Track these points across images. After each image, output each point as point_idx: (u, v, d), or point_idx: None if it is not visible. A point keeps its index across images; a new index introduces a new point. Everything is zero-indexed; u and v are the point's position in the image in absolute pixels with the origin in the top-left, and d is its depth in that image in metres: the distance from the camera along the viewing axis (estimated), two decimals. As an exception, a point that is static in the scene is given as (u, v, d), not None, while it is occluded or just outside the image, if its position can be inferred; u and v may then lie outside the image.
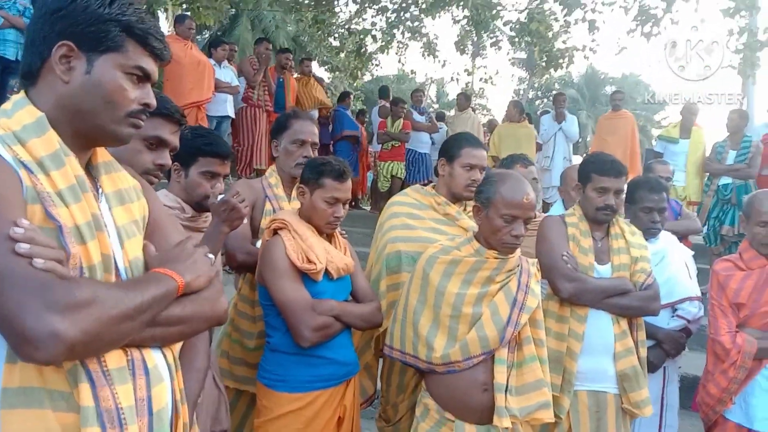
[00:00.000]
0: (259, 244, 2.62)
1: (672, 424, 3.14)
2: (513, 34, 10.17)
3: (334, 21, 11.66)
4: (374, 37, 10.41)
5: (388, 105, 9.27)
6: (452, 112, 10.95)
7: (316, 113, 8.44)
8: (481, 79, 13.91)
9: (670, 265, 3.13)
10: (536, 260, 2.57)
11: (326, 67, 15.96)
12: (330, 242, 2.49)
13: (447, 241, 2.52)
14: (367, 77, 16.45)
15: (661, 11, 8.63)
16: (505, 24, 9.99)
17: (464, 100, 9.12)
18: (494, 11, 9.85)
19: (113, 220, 1.23)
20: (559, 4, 9.70)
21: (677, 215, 4.56)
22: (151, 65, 1.24)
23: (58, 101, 1.17)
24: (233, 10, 12.70)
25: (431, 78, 25.53)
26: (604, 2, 9.16)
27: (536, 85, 30.59)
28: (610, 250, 2.77)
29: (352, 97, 10.07)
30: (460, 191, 2.78)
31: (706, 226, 6.11)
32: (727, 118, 6.29)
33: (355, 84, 18.25)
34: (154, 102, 1.25)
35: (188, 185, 2.24)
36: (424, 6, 10.01)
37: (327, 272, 2.37)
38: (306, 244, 2.34)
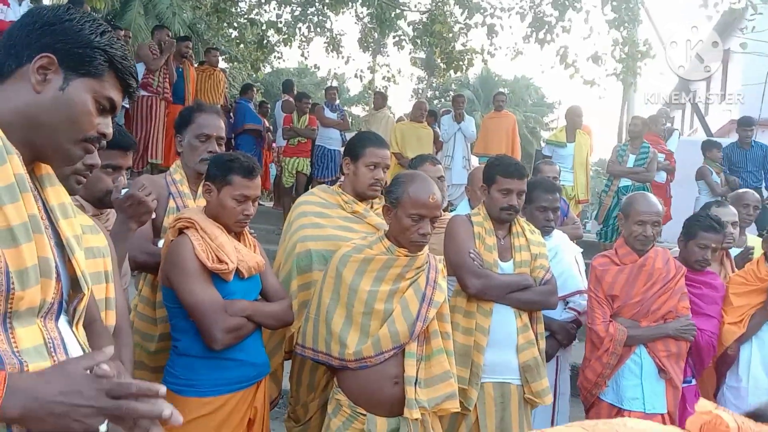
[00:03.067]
0: (161, 243, 2.52)
1: (564, 410, 3.35)
2: (415, 34, 10.38)
3: (234, 10, 11.36)
4: (279, 30, 10.23)
5: (292, 100, 9.16)
6: (353, 109, 11.01)
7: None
8: (384, 78, 14.10)
9: (562, 260, 3.34)
10: (442, 257, 2.66)
11: (224, 57, 15.53)
12: (239, 240, 2.44)
13: (359, 239, 2.54)
14: (267, 69, 16.17)
15: (554, 20, 9.11)
16: (408, 24, 10.16)
17: (381, 99, 9.21)
18: (398, 11, 9.98)
19: (62, 230, 1.21)
20: (460, 8, 10.01)
21: (565, 215, 4.84)
22: (119, 99, 1.27)
23: (21, 107, 1.17)
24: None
25: (334, 73, 25.45)
26: (503, 8, 9.55)
27: (434, 84, 31.31)
28: (512, 247, 2.91)
29: (255, 89, 9.84)
30: (364, 190, 2.80)
31: (603, 224, 6.54)
32: (631, 123, 6.74)
33: (255, 76, 17.89)
34: (110, 133, 1.27)
35: (88, 181, 2.11)
36: (328, 1, 9.98)
37: (238, 271, 2.32)
38: (216, 243, 2.27)
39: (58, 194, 1.25)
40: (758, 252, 4.20)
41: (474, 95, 33.95)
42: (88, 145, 1.23)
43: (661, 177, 6.86)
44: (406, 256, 2.41)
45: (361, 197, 2.81)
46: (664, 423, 2.62)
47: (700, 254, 3.20)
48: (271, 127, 9.41)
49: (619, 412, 2.94)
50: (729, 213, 3.88)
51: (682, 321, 2.95)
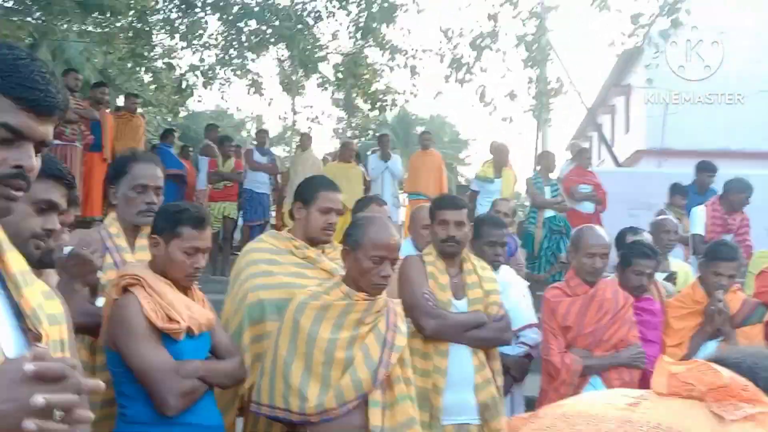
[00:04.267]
0: (100, 302, 2.35)
1: (521, 446, 3.33)
2: (338, 76, 10.49)
3: (149, 54, 11.10)
4: (204, 73, 10.06)
5: (213, 144, 8.97)
6: (274, 149, 10.88)
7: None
8: (307, 119, 14.11)
9: (511, 295, 3.37)
10: (400, 300, 2.62)
11: (138, 102, 15.09)
12: (186, 295, 2.31)
13: (314, 286, 2.47)
14: (183, 113, 15.83)
15: (472, 60, 9.47)
16: (333, 67, 10.27)
17: (307, 140, 9.18)
18: (322, 53, 10.08)
19: (5, 266, 1.05)
20: (380, 50, 10.23)
21: (511, 254, 4.92)
22: (23, 120, 1.01)
23: None
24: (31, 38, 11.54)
25: (253, 114, 25.26)
26: (424, 49, 9.84)
27: (353, 125, 31.72)
28: (465, 285, 2.92)
29: (175, 134, 9.57)
30: (317, 235, 2.74)
31: (537, 257, 6.69)
32: (542, 156, 7.00)
33: (171, 120, 17.44)
34: (31, 163, 1.03)
35: (6, 219, 1.92)
36: (247, 44, 9.93)
37: (188, 329, 2.18)
38: (165, 300, 2.13)
39: (18, 261, 1.10)
40: (682, 277, 4.46)
41: (393, 134, 34.59)
42: (4, 188, 1.01)
43: (587, 207, 7.14)
44: (365, 300, 2.36)
45: (314, 242, 2.74)
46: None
47: (637, 281, 3.32)
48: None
49: (577, 443, 2.96)
50: (644, 239, 4.09)
51: (633, 349, 3.03)
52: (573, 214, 6.87)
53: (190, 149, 10.22)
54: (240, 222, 8.65)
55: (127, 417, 2.13)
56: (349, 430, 2.26)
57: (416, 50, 9.81)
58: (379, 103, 10.48)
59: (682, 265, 4.77)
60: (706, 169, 6.36)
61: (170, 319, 2.11)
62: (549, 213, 6.71)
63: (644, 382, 3.12)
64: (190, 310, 2.22)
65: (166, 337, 2.12)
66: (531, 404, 3.69)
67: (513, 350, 3.30)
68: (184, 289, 2.30)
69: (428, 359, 2.77)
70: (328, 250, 2.80)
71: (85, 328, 2.36)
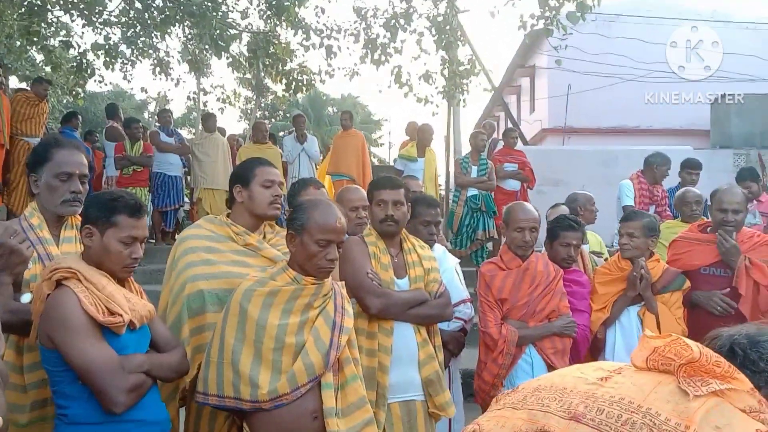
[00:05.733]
0: (25, 299, 2.19)
1: (459, 418, 3.44)
2: (250, 55, 10.18)
3: (44, 32, 10.31)
4: (107, 52, 9.43)
5: (118, 126, 8.50)
6: (182, 132, 10.43)
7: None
8: (218, 99, 13.64)
9: (445, 272, 3.44)
10: (344, 281, 2.61)
11: (28, 82, 14.05)
12: (124, 287, 2.20)
13: (259, 272, 2.41)
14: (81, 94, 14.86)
15: (387, 41, 9.47)
16: (244, 46, 9.95)
17: (212, 122, 8.80)
18: (233, 32, 9.73)
19: None
20: (292, 29, 10.02)
21: None
22: None
23: None
24: None
25: (160, 93, 24.09)
26: (338, 29, 9.71)
27: (263, 105, 31.01)
28: (406, 264, 2.95)
29: (79, 117, 8.97)
30: (264, 210, 2.67)
31: (457, 233, 6.86)
32: (472, 137, 7.13)
33: (68, 101, 16.36)
34: None
35: None
36: (151, 23, 9.43)
37: (129, 323, 2.08)
38: (104, 293, 2.02)
39: None
40: (594, 246, 4.78)
41: (304, 114, 34.14)
42: None
43: (512, 185, 7.38)
44: (313, 284, 2.34)
45: (261, 220, 2.67)
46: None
47: (564, 252, 3.48)
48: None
49: (516, 410, 3.09)
50: (563, 211, 4.33)
51: (565, 319, 3.19)
52: (498, 191, 7.10)
53: (96, 134, 9.62)
54: (150, 208, 8.28)
55: (67, 418, 2.01)
56: (303, 415, 2.23)
57: (331, 30, 9.67)
58: (294, 84, 10.28)
59: (592, 234, 5.07)
60: (689, 166, 5.97)
61: (111, 313, 2.01)
62: (472, 192, 6.88)
63: (574, 350, 3.32)
64: (131, 303, 2.12)
65: (106, 332, 2.02)
66: (467, 376, 3.82)
67: (449, 326, 3.38)
68: (121, 281, 2.20)
69: (373, 338, 2.78)
70: (269, 236, 2.75)
71: (11, 326, 2.21)
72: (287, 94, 11.63)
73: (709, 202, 3.74)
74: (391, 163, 12.82)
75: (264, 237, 2.73)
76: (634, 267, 3.42)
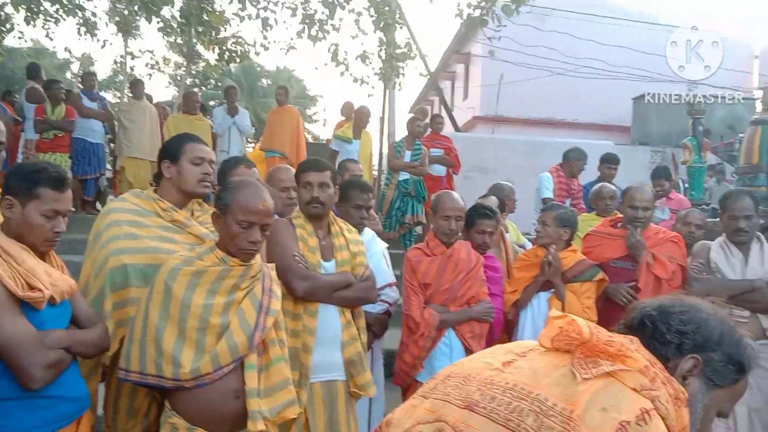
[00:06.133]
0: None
1: (379, 398, 3.56)
2: (182, 21, 9.85)
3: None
4: (29, 7, 8.86)
5: (39, 87, 8.06)
6: (103, 95, 9.98)
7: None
8: (147, 65, 13.12)
9: (372, 256, 3.52)
10: (273, 264, 2.64)
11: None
12: (44, 261, 2.15)
13: (184, 251, 2.40)
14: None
15: (325, 17, 9.38)
16: (178, 11, 9.59)
17: (140, 88, 8.47)
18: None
19: None
20: (228, -1, 9.76)
21: None
22: None
23: None
24: None
25: (84, 54, 22.85)
26: (275, 2, 9.53)
27: (193, 72, 30.00)
28: (333, 247, 3.01)
29: (-7, 75, 8.44)
30: (193, 188, 2.63)
31: (387, 216, 6.95)
32: (410, 122, 7.17)
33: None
34: None
35: None
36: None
37: (50, 298, 2.04)
38: (24, 267, 1.98)
39: None
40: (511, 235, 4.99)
41: (236, 85, 33.27)
42: None
43: (438, 170, 7.52)
44: (241, 265, 2.35)
45: (189, 197, 2.64)
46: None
47: (480, 239, 3.63)
48: (20, 119, 8.19)
49: (434, 391, 3.23)
50: (492, 201, 4.49)
51: (483, 305, 3.34)
52: (426, 177, 7.22)
53: (15, 95, 9.07)
54: (70, 175, 7.92)
55: (-18, 393, 1.96)
56: (225, 394, 2.25)
57: (268, 2, 9.48)
58: (227, 54, 10.03)
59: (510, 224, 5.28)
60: (608, 161, 6.19)
61: (31, 287, 1.97)
62: (403, 176, 6.98)
63: (489, 332, 3.48)
64: (51, 277, 2.08)
65: (25, 307, 1.98)
66: (389, 356, 3.93)
67: (374, 308, 3.47)
68: (42, 255, 2.15)
69: (298, 319, 2.83)
70: (197, 213, 2.73)
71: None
72: (220, 64, 11.34)
73: (620, 200, 3.99)
74: (325, 141, 12.76)
75: (192, 214, 2.70)
76: (546, 254, 3.62)
